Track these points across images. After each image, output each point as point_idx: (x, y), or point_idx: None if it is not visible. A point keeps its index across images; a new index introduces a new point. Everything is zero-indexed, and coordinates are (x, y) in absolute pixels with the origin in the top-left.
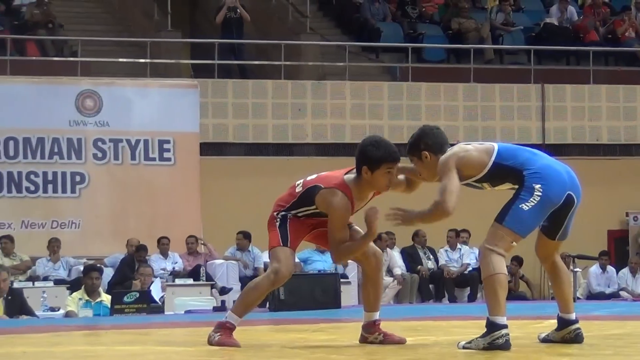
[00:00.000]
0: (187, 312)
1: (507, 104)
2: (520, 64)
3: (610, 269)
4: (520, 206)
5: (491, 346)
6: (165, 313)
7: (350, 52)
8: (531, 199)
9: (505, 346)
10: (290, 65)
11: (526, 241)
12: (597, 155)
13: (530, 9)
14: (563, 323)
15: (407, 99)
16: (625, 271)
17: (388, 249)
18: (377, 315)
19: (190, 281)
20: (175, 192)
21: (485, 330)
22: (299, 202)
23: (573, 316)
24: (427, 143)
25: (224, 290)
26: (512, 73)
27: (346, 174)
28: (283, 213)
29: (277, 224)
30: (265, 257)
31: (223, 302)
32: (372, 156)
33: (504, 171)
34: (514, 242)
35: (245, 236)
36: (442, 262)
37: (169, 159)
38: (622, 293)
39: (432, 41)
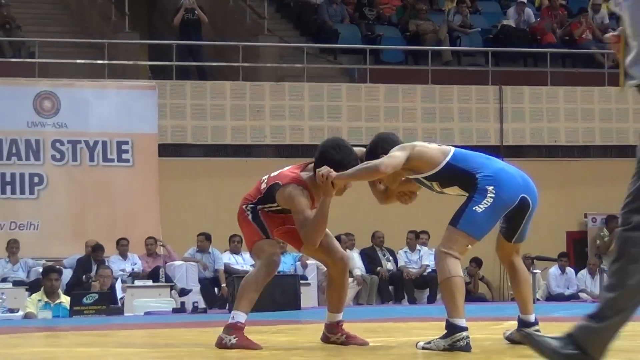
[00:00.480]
0: (147, 313)
1: (465, 106)
2: (478, 65)
3: (570, 270)
4: (473, 209)
5: (452, 348)
6: (125, 314)
7: (308, 53)
8: (484, 202)
9: (466, 348)
10: (249, 66)
11: (485, 242)
12: (555, 156)
13: (487, 11)
14: (523, 324)
15: (366, 101)
16: (584, 272)
17: (347, 250)
18: (340, 317)
19: (150, 283)
20: (134, 194)
21: (446, 331)
22: (265, 199)
23: (532, 317)
24: (385, 148)
25: (183, 292)
26: (470, 75)
27: (304, 169)
28: (252, 205)
29: (249, 217)
30: (225, 258)
31: (182, 303)
32: (333, 161)
33: (455, 173)
34: (469, 245)
35: (207, 238)
36: (401, 263)
37: (127, 160)
38: (582, 294)
39: (390, 43)
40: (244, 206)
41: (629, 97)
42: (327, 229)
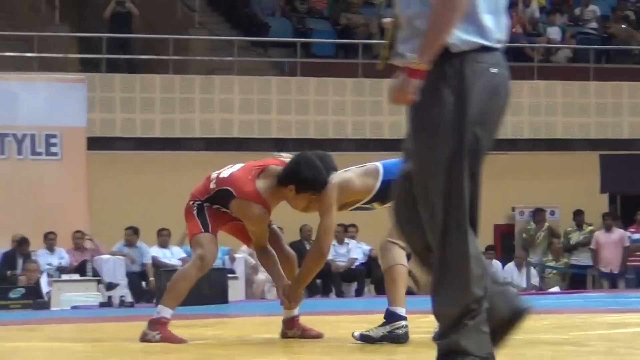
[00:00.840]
0: (74, 307)
1: None
2: None
3: (496, 263)
4: None
5: (391, 335)
6: (52, 309)
7: (238, 47)
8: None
9: (404, 337)
10: (179, 59)
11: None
12: None
13: None
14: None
15: (296, 94)
16: (511, 265)
17: None
18: (296, 312)
19: (77, 277)
20: (62, 187)
21: (384, 320)
22: (214, 199)
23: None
24: (300, 178)
25: (110, 286)
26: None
27: (259, 175)
28: (199, 203)
29: (195, 212)
30: (153, 252)
31: (110, 297)
32: (306, 179)
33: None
34: None
35: (135, 231)
36: (329, 256)
37: (55, 154)
38: None
39: (320, 36)
40: (191, 202)
41: (558, 91)
42: (277, 228)
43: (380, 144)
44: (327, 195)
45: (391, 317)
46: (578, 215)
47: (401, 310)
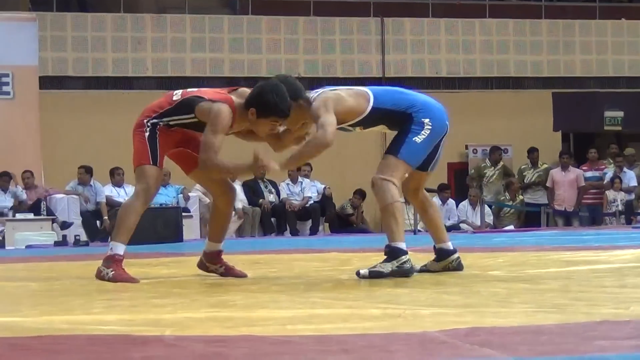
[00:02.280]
0: (28, 247)
1: (347, 37)
2: None
3: (451, 201)
4: (413, 139)
5: (400, 270)
6: (6, 248)
7: None
8: (422, 132)
9: (411, 271)
10: None
11: (368, 175)
12: (436, 88)
13: None
14: (443, 253)
15: (248, 33)
16: (465, 204)
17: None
18: (221, 247)
19: (31, 216)
20: (15, 127)
21: (386, 257)
22: (174, 110)
23: (450, 245)
24: (261, 102)
25: (65, 225)
26: (352, 6)
27: (231, 92)
28: (154, 121)
29: (147, 134)
30: (107, 191)
31: (64, 236)
32: (267, 103)
33: (383, 114)
34: (406, 173)
35: (87, 170)
36: (283, 195)
37: (7, 93)
38: (463, 225)
39: None
40: (144, 120)
41: (509, 29)
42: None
43: (333, 81)
44: (323, 101)
45: (395, 252)
46: (532, 152)
47: (402, 245)
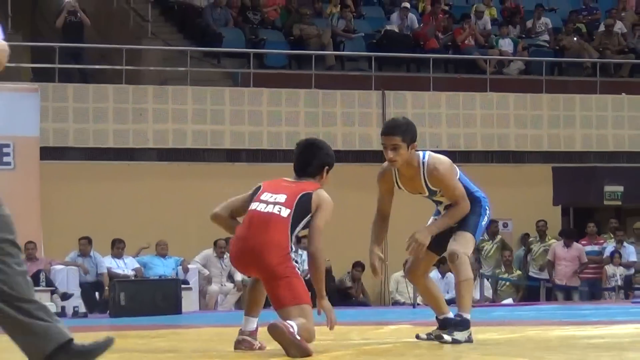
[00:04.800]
0: None
1: (348, 110)
2: (362, 70)
3: (450, 274)
4: (481, 222)
5: (469, 339)
6: None
7: (191, 57)
8: (485, 217)
9: (470, 340)
10: (132, 69)
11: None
12: None
13: (371, 16)
14: (445, 322)
15: (249, 105)
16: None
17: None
18: (255, 325)
19: None
20: (15, 197)
21: (457, 325)
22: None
23: (450, 314)
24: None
25: (65, 296)
26: (353, 79)
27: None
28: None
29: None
30: (106, 262)
31: (63, 307)
32: (331, 163)
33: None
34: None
35: (89, 242)
36: None
37: (8, 164)
38: None
39: (273, 47)
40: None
41: (510, 103)
42: None
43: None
44: (450, 168)
45: (468, 323)
46: (542, 225)
47: (470, 317)
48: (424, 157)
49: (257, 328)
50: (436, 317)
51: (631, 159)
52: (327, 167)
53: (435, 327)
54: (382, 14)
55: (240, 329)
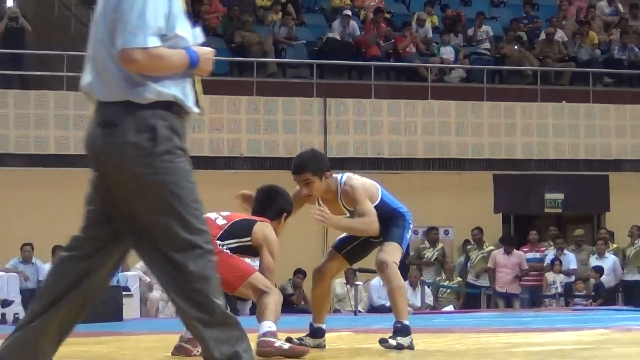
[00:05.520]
0: None
1: (290, 118)
2: (303, 77)
3: None
4: (406, 235)
5: (411, 345)
6: None
7: None
8: (409, 231)
9: (412, 347)
10: (73, 76)
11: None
12: (378, 169)
13: (312, 23)
14: (321, 332)
15: None
16: (405, 284)
17: None
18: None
19: None
20: None
21: (399, 332)
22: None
23: (324, 327)
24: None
25: (5, 303)
26: (295, 87)
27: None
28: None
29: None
30: (47, 269)
31: (4, 314)
32: (285, 210)
33: (383, 207)
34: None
35: (32, 248)
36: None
37: None
38: None
39: (215, 54)
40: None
41: (451, 110)
42: None
43: (275, 162)
44: (362, 187)
45: (408, 329)
46: (477, 233)
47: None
48: (341, 179)
49: None
50: (310, 324)
51: (571, 166)
52: (285, 214)
53: (305, 334)
54: (323, 21)
55: (181, 336)
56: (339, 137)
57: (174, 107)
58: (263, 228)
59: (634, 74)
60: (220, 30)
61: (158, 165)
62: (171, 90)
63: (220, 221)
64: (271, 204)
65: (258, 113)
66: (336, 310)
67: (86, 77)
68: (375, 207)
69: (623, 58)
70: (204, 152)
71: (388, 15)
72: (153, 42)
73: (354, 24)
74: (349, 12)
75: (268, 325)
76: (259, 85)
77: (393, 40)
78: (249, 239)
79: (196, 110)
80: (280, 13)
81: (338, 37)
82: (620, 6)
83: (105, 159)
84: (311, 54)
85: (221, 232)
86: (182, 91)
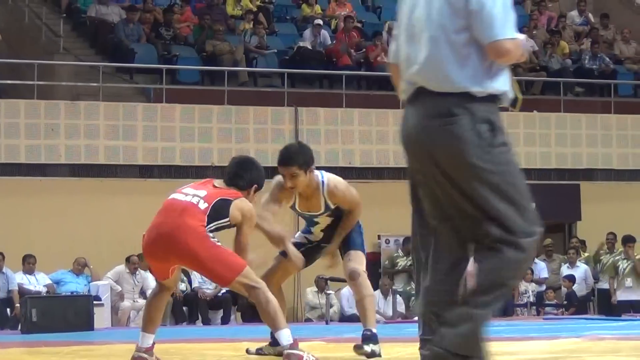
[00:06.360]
0: None
1: (261, 127)
2: (274, 86)
3: None
4: (362, 239)
5: (379, 353)
6: None
7: (104, 72)
8: (361, 234)
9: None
10: (44, 85)
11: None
12: (350, 178)
13: (284, 33)
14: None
15: (161, 121)
16: (377, 294)
17: (141, 270)
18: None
19: None
20: None
21: (368, 339)
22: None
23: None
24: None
25: None
26: (266, 96)
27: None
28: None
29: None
30: (18, 278)
31: None
32: (258, 179)
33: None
34: None
35: (2, 257)
36: (195, 284)
37: None
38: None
39: (186, 63)
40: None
41: None
42: None
43: None
44: (346, 185)
45: (377, 337)
46: None
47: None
48: (322, 177)
49: (153, 344)
50: (271, 333)
51: (542, 176)
52: (256, 186)
53: (266, 343)
54: (294, 30)
55: (137, 345)
56: (310, 146)
57: (498, 101)
58: (240, 206)
59: (605, 84)
60: (191, 40)
61: (497, 156)
62: (505, 84)
63: (202, 205)
64: (244, 174)
65: (229, 122)
66: (307, 320)
67: (412, 67)
68: (338, 211)
69: (594, 68)
70: (175, 161)
71: (359, 25)
72: (516, 33)
73: (325, 33)
74: (320, 22)
75: (287, 338)
76: (230, 94)
77: (364, 50)
78: (227, 219)
79: (510, 105)
80: (252, 22)
81: (309, 47)
82: (590, 16)
83: (444, 150)
84: (282, 63)
85: (207, 219)
86: (509, 85)
